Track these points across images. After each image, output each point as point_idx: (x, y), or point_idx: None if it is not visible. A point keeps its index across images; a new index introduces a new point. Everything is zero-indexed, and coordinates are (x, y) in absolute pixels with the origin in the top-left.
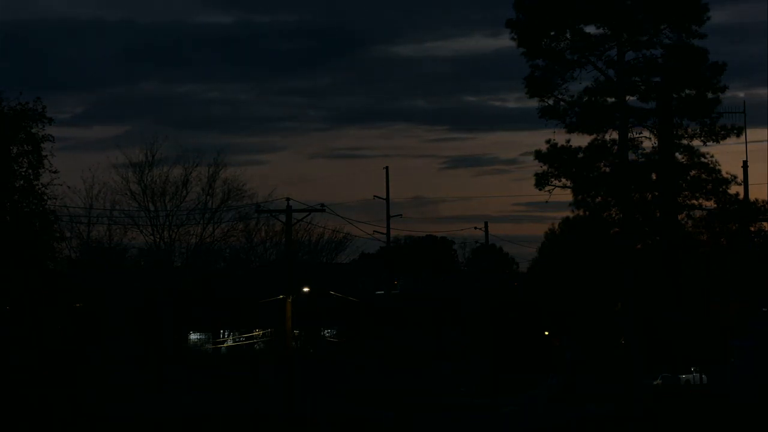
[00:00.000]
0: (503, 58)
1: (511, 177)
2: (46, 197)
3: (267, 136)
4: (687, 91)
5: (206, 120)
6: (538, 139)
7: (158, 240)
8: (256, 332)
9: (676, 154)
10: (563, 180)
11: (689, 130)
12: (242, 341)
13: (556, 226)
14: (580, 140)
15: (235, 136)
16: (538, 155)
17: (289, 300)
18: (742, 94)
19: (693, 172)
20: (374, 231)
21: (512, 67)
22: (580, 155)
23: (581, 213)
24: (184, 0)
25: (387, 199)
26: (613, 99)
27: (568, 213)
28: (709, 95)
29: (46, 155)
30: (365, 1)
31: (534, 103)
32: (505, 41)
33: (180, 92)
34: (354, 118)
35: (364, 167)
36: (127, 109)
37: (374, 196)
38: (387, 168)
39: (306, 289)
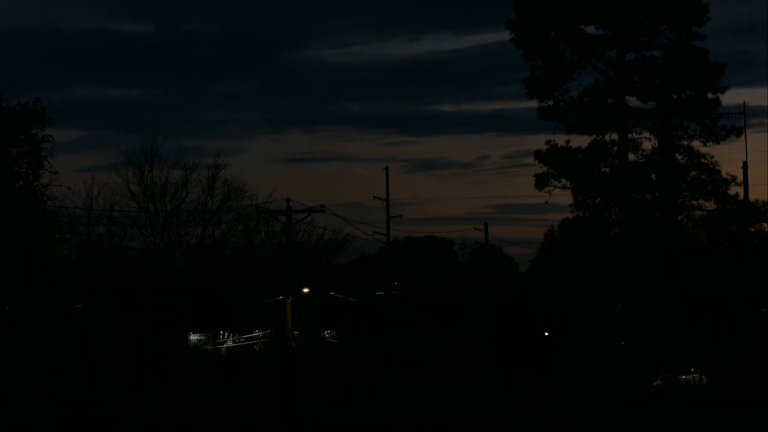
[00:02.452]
0: (425, 62)
1: (472, 180)
2: (45, 198)
3: (213, 141)
4: (687, 92)
5: (146, 124)
6: (489, 142)
7: (158, 241)
8: (256, 333)
9: (676, 154)
10: (563, 181)
11: (689, 130)
12: (242, 342)
13: (556, 228)
14: (580, 141)
15: (180, 140)
16: (538, 156)
17: (289, 301)
18: (743, 92)
19: (693, 173)
20: (374, 232)
21: (439, 70)
22: (580, 156)
23: (581, 214)
24: (99, 8)
25: (387, 199)
26: (613, 100)
27: (547, 214)
28: (709, 96)
29: (46, 156)
30: (278, 7)
31: (471, 107)
32: (426, 46)
33: (114, 97)
34: (293, 122)
35: (324, 171)
36: (66, 114)
37: (374, 196)
38: (387, 168)
39: (306, 290)
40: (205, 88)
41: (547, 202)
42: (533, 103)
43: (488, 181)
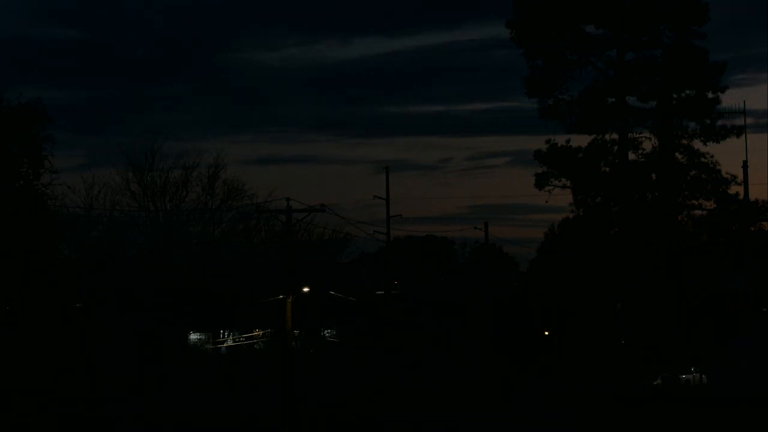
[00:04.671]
0: (358, 65)
1: (439, 181)
2: (46, 197)
3: (169, 144)
4: (687, 91)
5: (93, 127)
6: (445, 144)
7: (158, 240)
8: (256, 332)
9: (676, 154)
10: (563, 180)
11: (689, 130)
12: (242, 341)
13: (556, 227)
14: (580, 140)
15: (127, 142)
16: (538, 155)
17: (289, 300)
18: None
19: (693, 172)
20: (374, 231)
21: (375, 73)
22: (580, 155)
23: (581, 213)
24: (20, 13)
25: (387, 199)
26: (613, 99)
27: (527, 215)
28: (709, 95)
29: (47, 155)
30: (202, 9)
31: (416, 109)
32: (357, 49)
33: (57, 99)
34: (238, 123)
35: (289, 172)
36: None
37: (374, 196)
38: (387, 168)
39: (306, 289)
40: (141, 91)
41: (546, 202)
42: (477, 105)
43: (457, 182)
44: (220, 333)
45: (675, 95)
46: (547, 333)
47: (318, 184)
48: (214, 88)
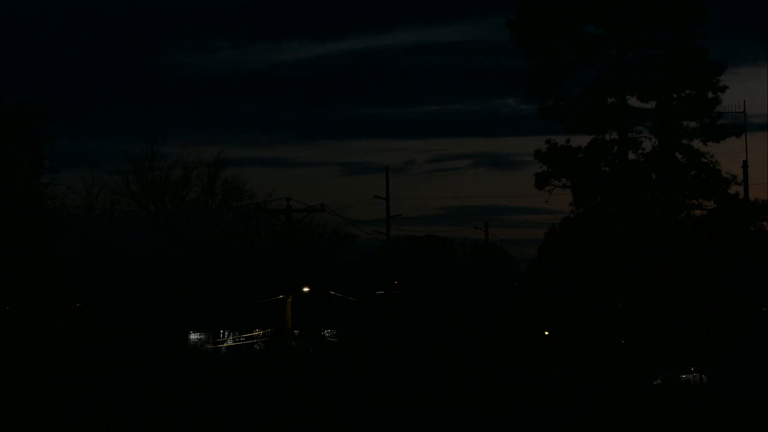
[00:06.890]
0: (289, 68)
1: (411, 181)
2: (46, 197)
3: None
4: (687, 91)
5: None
6: (403, 146)
7: (158, 240)
8: (256, 332)
9: (676, 154)
10: (563, 180)
11: (689, 130)
12: (242, 341)
13: (557, 227)
14: (580, 140)
15: (76, 141)
16: (538, 155)
17: (289, 300)
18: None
19: (693, 172)
20: (374, 231)
21: (310, 76)
22: (580, 155)
23: (581, 213)
24: None
25: (387, 199)
26: (613, 99)
27: (506, 216)
28: (709, 95)
29: (46, 155)
30: (129, 10)
31: (363, 111)
32: (288, 53)
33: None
34: (183, 126)
35: (259, 176)
36: None
37: (374, 196)
38: (387, 168)
39: (306, 289)
40: (78, 93)
41: (547, 202)
42: (420, 108)
43: (423, 184)
44: (220, 333)
45: (675, 95)
46: (546, 333)
47: (271, 186)
48: (147, 91)
